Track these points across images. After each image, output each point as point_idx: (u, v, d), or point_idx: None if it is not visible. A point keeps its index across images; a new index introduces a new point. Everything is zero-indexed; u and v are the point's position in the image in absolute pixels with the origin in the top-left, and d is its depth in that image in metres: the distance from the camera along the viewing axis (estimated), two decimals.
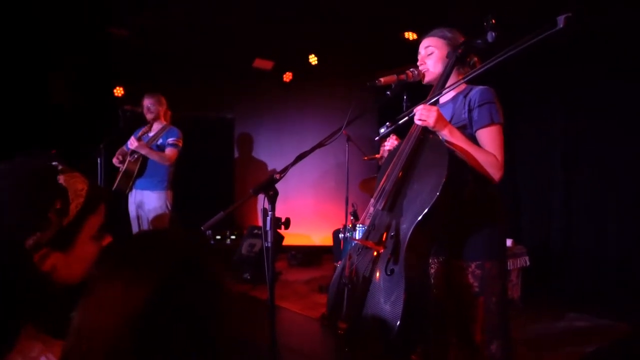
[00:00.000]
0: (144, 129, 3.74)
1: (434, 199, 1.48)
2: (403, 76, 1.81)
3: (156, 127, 3.81)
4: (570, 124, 4.21)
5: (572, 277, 4.12)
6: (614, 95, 3.88)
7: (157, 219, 3.70)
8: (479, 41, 1.60)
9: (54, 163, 0.94)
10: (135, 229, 3.80)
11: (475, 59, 1.80)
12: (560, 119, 4.29)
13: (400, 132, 1.87)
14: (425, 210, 1.49)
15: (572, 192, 4.21)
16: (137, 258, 0.66)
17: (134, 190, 3.75)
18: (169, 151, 3.70)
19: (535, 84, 4.40)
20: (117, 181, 3.71)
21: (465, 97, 1.75)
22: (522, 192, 4.56)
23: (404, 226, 1.57)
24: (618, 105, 3.86)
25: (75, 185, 0.92)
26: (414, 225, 1.52)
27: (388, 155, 1.89)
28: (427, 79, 1.84)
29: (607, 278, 3.91)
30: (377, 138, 1.95)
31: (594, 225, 4.07)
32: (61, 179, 0.91)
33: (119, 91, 5.60)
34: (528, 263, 3.74)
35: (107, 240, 0.98)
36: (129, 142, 3.70)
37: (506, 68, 1.48)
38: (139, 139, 3.60)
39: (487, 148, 1.65)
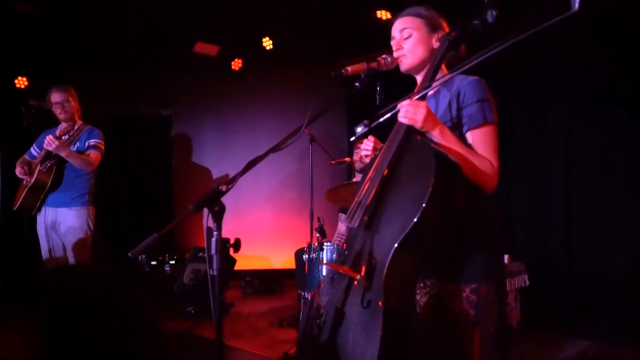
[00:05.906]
0: (63, 128, 3.58)
1: (419, 214, 1.46)
2: (374, 64, 1.80)
3: (71, 127, 3.67)
4: (571, 120, 4.34)
5: (577, 297, 4.23)
6: (620, 92, 4.03)
7: (78, 243, 3.59)
8: (477, 22, 1.59)
9: None
10: (46, 256, 3.65)
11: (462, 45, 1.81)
12: (559, 114, 4.42)
13: (381, 131, 1.85)
14: (409, 228, 1.47)
15: (574, 198, 4.34)
16: (31, 304, 0.63)
17: (44, 209, 3.63)
18: (92, 154, 3.61)
19: (532, 76, 4.51)
20: (21, 198, 3.55)
21: (451, 91, 1.76)
22: (516, 200, 4.67)
23: (383, 247, 1.54)
24: (625, 102, 4.01)
25: None
26: (395, 245, 1.49)
27: (369, 162, 1.88)
28: (406, 66, 1.84)
29: (617, 297, 4.03)
30: (352, 139, 1.93)
31: (599, 236, 4.20)
32: None
33: (21, 82, 5.43)
34: (527, 282, 3.82)
35: None
36: (41, 144, 3.52)
37: (498, 57, 1.49)
38: (58, 138, 3.45)
39: (480, 151, 1.67)
